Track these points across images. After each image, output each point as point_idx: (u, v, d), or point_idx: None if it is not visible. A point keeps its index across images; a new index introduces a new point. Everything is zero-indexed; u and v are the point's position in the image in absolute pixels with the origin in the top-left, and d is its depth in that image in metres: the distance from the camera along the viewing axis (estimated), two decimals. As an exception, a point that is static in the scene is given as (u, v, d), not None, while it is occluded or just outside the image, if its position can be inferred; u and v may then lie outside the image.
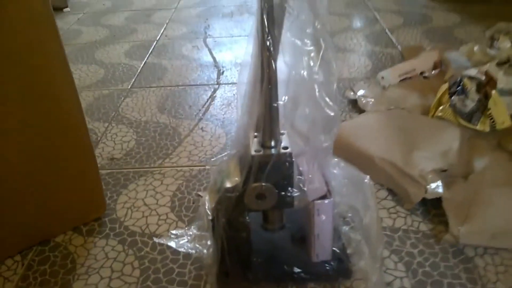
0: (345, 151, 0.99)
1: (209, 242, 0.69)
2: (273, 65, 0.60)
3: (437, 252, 0.73)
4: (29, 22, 0.65)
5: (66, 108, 0.73)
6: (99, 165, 0.98)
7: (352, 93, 1.22)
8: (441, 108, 1.04)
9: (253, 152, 0.62)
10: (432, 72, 1.27)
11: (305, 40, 0.59)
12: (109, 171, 0.97)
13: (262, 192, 0.63)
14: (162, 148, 1.04)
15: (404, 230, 0.78)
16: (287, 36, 0.60)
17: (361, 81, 1.31)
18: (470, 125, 0.98)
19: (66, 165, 0.76)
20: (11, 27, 0.64)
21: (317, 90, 0.62)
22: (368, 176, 0.69)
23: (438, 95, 1.07)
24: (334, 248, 0.69)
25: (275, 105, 0.61)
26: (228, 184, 0.63)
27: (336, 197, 0.74)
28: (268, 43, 0.57)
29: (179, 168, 0.96)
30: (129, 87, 1.35)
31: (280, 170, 0.62)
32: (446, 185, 0.83)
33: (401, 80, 1.25)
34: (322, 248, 0.68)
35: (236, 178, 0.63)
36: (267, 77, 0.58)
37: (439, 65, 1.27)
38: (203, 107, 1.21)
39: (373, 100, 1.18)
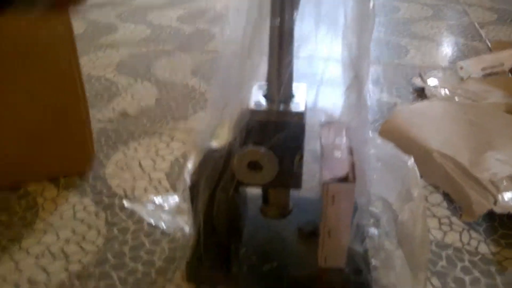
0: (396, 139, 0.79)
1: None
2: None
3: (498, 284, 0.53)
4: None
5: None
6: (107, 119, 0.87)
7: (420, 80, 1.01)
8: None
9: (251, 106, 0.46)
10: (526, 69, 1.02)
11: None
12: (115, 126, 0.84)
13: (256, 160, 0.46)
14: (182, 111, 0.90)
15: (457, 249, 0.58)
16: None
17: (434, 70, 1.09)
18: None
19: (52, 111, 0.65)
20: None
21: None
22: (412, 158, 0.50)
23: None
24: (352, 253, 0.51)
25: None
26: (215, 143, 0.48)
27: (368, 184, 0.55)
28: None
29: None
30: (169, 49, 1.23)
31: (285, 133, 0.45)
32: (525, 199, 0.61)
33: (484, 75, 1.02)
34: (334, 250, 0.50)
35: (227, 137, 0.47)
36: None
37: (536, 61, 1.02)
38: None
39: (445, 90, 0.96)
